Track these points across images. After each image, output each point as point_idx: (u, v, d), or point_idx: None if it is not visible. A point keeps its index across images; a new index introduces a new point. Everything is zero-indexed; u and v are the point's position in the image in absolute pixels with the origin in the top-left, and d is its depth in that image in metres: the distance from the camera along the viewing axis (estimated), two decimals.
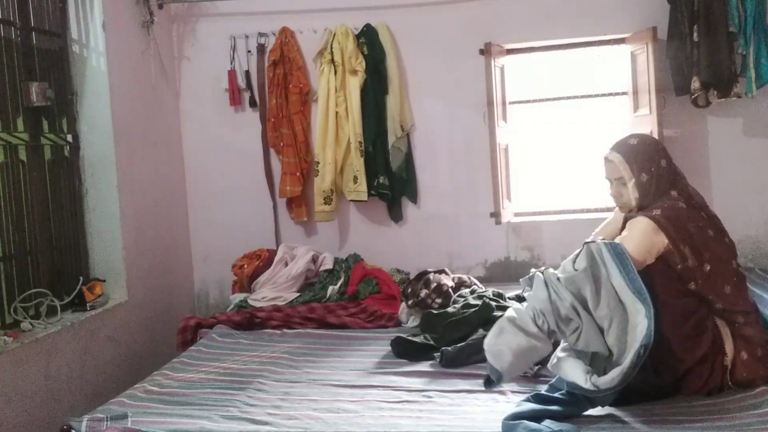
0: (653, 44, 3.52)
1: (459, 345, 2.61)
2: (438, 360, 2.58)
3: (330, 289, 3.55)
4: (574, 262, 2.10)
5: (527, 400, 2.10)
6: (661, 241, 2.13)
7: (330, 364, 2.71)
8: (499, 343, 2.10)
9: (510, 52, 3.94)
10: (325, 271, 3.71)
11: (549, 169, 4.26)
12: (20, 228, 3.00)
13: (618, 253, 2.04)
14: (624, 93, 3.91)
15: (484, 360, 2.53)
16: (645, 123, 3.65)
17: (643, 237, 2.13)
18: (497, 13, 3.85)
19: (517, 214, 4.04)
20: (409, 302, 3.15)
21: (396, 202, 4.01)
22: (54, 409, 2.84)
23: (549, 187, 4.25)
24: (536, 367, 2.39)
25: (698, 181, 3.65)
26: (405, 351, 2.72)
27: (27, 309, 2.93)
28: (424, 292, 3.11)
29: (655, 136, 3.53)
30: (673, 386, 2.14)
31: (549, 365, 2.14)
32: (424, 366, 2.60)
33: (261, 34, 4.03)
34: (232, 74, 4.04)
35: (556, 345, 2.51)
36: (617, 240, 2.15)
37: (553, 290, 2.07)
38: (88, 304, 3.18)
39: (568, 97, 4.02)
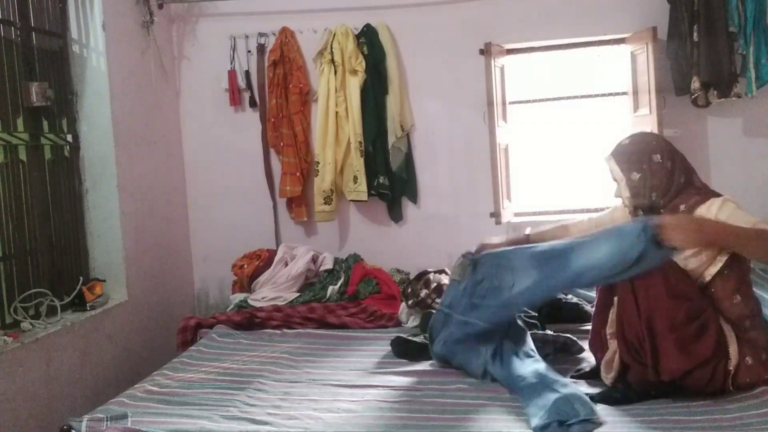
0: (653, 44, 3.52)
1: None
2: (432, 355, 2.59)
3: (330, 289, 3.55)
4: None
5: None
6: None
7: (330, 364, 2.71)
8: None
9: (510, 52, 3.94)
10: (325, 271, 3.71)
11: (549, 169, 4.26)
12: (20, 228, 3.00)
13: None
14: (624, 93, 3.91)
15: None
16: (645, 123, 3.65)
17: (743, 213, 2.08)
18: (497, 13, 3.85)
19: (517, 214, 4.04)
20: (409, 302, 3.15)
21: (396, 202, 4.01)
22: (54, 409, 2.84)
23: (549, 187, 4.25)
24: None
25: None
26: (405, 351, 2.72)
27: (27, 309, 2.93)
28: (424, 292, 3.11)
29: None
30: (673, 386, 2.14)
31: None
32: (424, 366, 2.60)
33: (261, 34, 4.03)
34: (232, 74, 4.04)
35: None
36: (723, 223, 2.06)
37: None
38: (88, 304, 3.18)
39: (568, 97, 4.02)
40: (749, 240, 1.99)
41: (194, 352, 2.89)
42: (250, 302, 3.50)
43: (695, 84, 3.43)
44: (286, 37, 3.97)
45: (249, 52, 4.07)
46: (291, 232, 4.15)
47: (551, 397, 2.03)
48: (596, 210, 3.88)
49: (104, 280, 3.37)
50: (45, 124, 3.19)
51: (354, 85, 3.82)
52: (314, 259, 3.76)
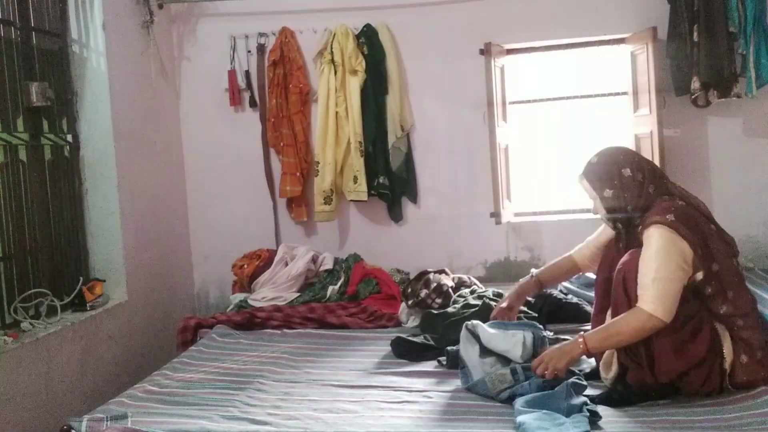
0: (653, 44, 3.52)
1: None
2: (444, 361, 2.58)
3: (330, 289, 3.55)
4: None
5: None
6: (685, 247, 2.07)
7: (330, 364, 2.71)
8: None
9: (510, 52, 3.94)
10: (325, 271, 3.71)
11: (549, 169, 4.26)
12: (20, 228, 3.00)
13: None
14: (624, 93, 3.91)
15: None
16: (645, 123, 3.65)
17: (670, 251, 2.05)
18: (497, 13, 3.84)
19: (517, 214, 4.04)
20: (409, 302, 3.14)
21: (396, 202, 4.01)
22: (54, 409, 2.84)
23: (549, 187, 4.26)
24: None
25: (698, 181, 3.69)
26: (405, 351, 2.71)
27: (27, 309, 2.93)
28: (424, 292, 3.10)
29: (655, 136, 3.54)
30: (671, 387, 2.14)
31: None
32: (424, 366, 2.60)
33: (261, 34, 4.03)
34: (232, 74, 4.04)
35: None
36: (640, 262, 2.09)
37: None
38: (88, 304, 3.18)
39: (568, 97, 4.02)
40: (613, 335, 2.10)
41: (194, 352, 2.89)
42: (250, 302, 3.50)
43: (695, 84, 3.43)
44: (286, 37, 3.97)
45: (249, 52, 4.07)
46: (291, 232, 4.15)
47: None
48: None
49: (104, 280, 3.37)
50: (45, 124, 3.19)
51: (354, 85, 3.82)
52: (314, 259, 3.76)
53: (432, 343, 2.74)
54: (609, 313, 2.23)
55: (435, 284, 3.13)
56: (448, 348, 2.58)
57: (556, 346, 2.21)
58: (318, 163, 3.88)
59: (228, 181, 4.17)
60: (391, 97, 3.87)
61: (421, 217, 4.04)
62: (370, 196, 3.89)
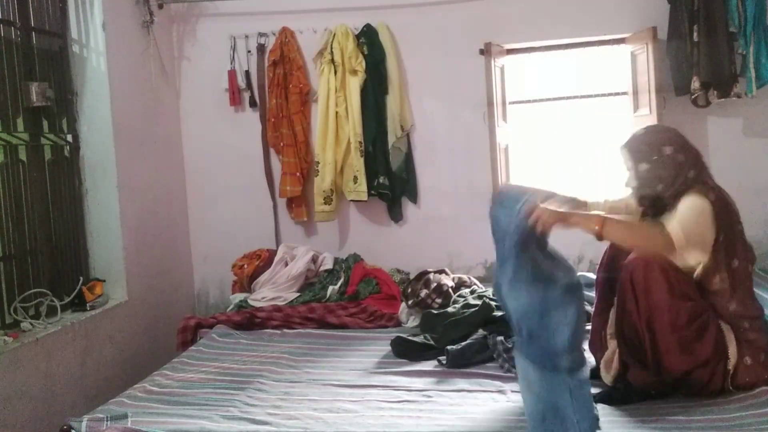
0: (653, 44, 3.52)
1: (463, 343, 2.61)
2: (444, 361, 2.58)
3: (330, 289, 3.55)
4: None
5: None
6: (713, 225, 2.08)
7: (330, 364, 2.71)
8: None
9: (510, 52, 3.94)
10: (325, 271, 3.71)
11: (549, 169, 4.26)
12: (20, 228, 2.99)
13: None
14: (624, 93, 3.91)
15: (487, 359, 2.55)
16: (645, 123, 3.63)
17: (705, 217, 2.07)
18: (497, 13, 3.84)
19: None
20: (409, 302, 3.15)
21: (396, 202, 4.01)
22: (54, 409, 2.84)
23: (549, 187, 4.25)
24: None
25: None
26: (405, 351, 2.72)
27: (27, 309, 2.93)
28: (424, 292, 3.11)
29: None
30: (672, 386, 2.14)
31: None
32: (424, 366, 2.60)
33: (261, 34, 4.03)
34: (232, 74, 4.04)
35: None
36: (671, 221, 2.08)
37: None
38: (88, 304, 3.18)
39: (568, 97, 4.02)
40: (632, 232, 2.09)
41: (194, 352, 2.89)
42: (250, 302, 3.50)
43: (695, 84, 3.43)
44: (286, 37, 3.97)
45: (249, 52, 4.07)
46: (291, 232, 4.15)
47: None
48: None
49: (104, 280, 3.37)
50: (45, 124, 3.19)
51: (354, 85, 3.82)
52: (314, 259, 3.76)
53: (432, 343, 2.74)
54: (613, 312, 2.23)
55: (435, 284, 3.13)
56: (448, 347, 2.58)
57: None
58: (318, 163, 3.88)
59: (228, 181, 4.17)
60: (391, 97, 3.87)
61: (421, 217, 4.04)
62: (370, 196, 3.88)
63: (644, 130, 2.33)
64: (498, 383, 2.37)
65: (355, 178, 3.84)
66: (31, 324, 2.88)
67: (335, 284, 3.59)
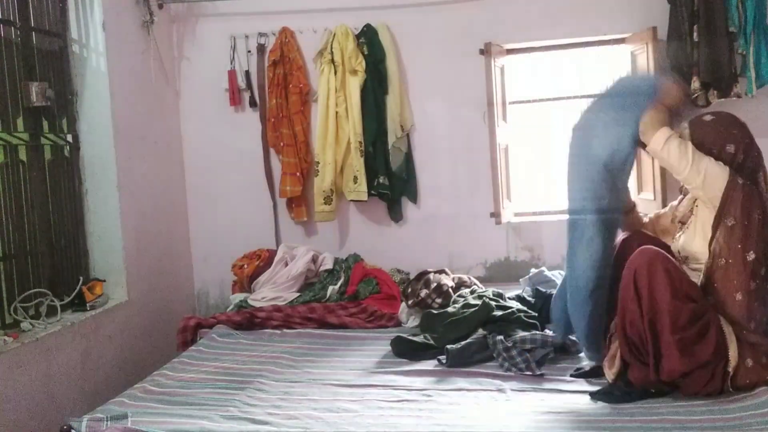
0: (653, 44, 3.52)
1: (463, 342, 2.61)
2: (443, 360, 2.58)
3: (330, 289, 3.55)
4: None
5: None
6: (721, 193, 2.12)
7: (330, 364, 2.71)
8: None
9: (510, 52, 3.94)
10: (325, 271, 3.71)
11: (549, 169, 4.26)
12: (20, 228, 2.99)
13: None
14: None
15: (487, 359, 2.55)
16: None
17: (717, 171, 2.14)
18: (497, 13, 3.84)
19: (517, 214, 4.04)
20: (409, 302, 3.15)
21: (396, 202, 4.01)
22: (54, 409, 2.84)
23: (549, 187, 4.26)
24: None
25: None
26: (405, 350, 2.72)
27: (27, 309, 2.93)
28: (424, 292, 3.11)
29: None
30: (672, 386, 2.14)
31: None
32: (424, 365, 2.60)
33: (261, 34, 4.03)
34: (232, 74, 4.04)
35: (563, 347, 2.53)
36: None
37: None
38: (88, 304, 3.18)
39: (568, 97, 4.02)
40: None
41: (194, 352, 2.89)
42: (250, 302, 3.50)
43: (695, 84, 3.43)
44: (286, 37, 3.97)
45: (249, 52, 4.07)
46: (291, 232, 4.15)
47: None
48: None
49: (104, 280, 3.37)
50: (45, 124, 3.19)
51: (354, 85, 3.82)
52: (314, 259, 3.76)
53: (432, 342, 2.74)
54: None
55: (435, 284, 3.13)
56: (448, 347, 2.58)
57: None
58: (318, 163, 3.88)
59: (228, 181, 4.17)
60: (391, 97, 3.87)
61: (421, 217, 4.04)
62: (370, 196, 3.88)
63: (711, 117, 2.31)
64: (498, 382, 2.37)
65: (355, 178, 3.84)
66: (31, 324, 2.88)
67: (335, 284, 3.59)
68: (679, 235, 2.36)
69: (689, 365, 2.07)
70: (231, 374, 2.60)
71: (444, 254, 3.99)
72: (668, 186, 3.52)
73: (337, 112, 3.86)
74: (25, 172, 3.03)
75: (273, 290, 3.56)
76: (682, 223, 2.39)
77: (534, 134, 4.24)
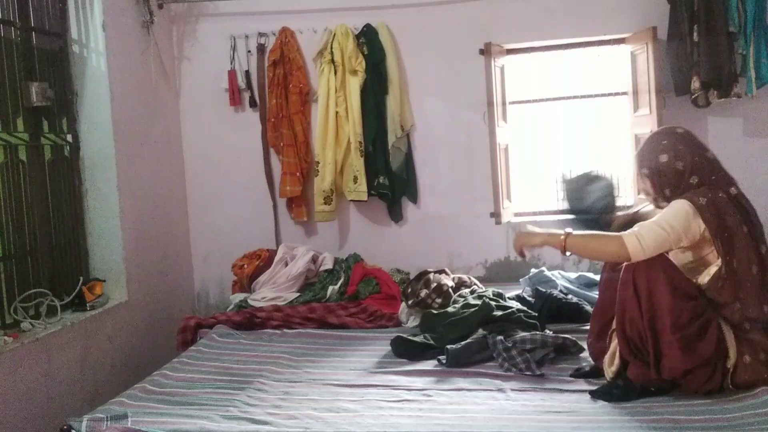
0: (653, 44, 3.52)
1: (463, 342, 2.61)
2: (443, 360, 2.58)
3: (330, 289, 3.55)
4: None
5: None
6: (698, 225, 2.12)
7: (330, 364, 2.71)
8: None
9: (510, 52, 3.94)
10: (325, 271, 3.71)
11: (549, 169, 4.26)
12: (20, 228, 3.00)
13: None
14: (624, 93, 3.91)
15: (487, 359, 2.55)
16: (645, 123, 3.65)
17: (681, 219, 2.12)
18: (497, 13, 3.85)
19: (517, 214, 4.04)
20: (409, 302, 3.15)
21: (396, 202, 4.01)
22: (54, 409, 2.84)
23: (549, 187, 4.25)
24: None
25: None
26: (405, 351, 2.71)
27: (27, 309, 2.93)
28: (424, 292, 3.11)
29: None
30: (672, 384, 2.15)
31: None
32: (424, 365, 2.60)
33: (261, 34, 4.03)
34: (232, 74, 4.04)
35: (561, 348, 2.54)
36: (655, 218, 2.17)
37: None
38: (88, 304, 3.18)
39: (568, 97, 4.02)
40: (588, 243, 2.26)
41: (194, 352, 2.89)
42: (250, 302, 3.50)
43: (695, 84, 3.43)
44: (286, 37, 3.97)
45: (249, 52, 4.07)
46: (291, 232, 4.15)
47: None
48: None
49: (104, 280, 3.37)
50: (45, 124, 3.19)
51: (354, 85, 3.82)
52: (314, 259, 3.76)
53: (432, 342, 2.74)
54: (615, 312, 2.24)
55: (435, 284, 3.13)
56: (448, 347, 2.58)
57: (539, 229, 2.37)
58: (318, 163, 3.88)
59: (228, 181, 4.17)
60: (391, 97, 3.88)
61: (421, 217, 4.04)
62: (370, 196, 3.89)
63: (651, 135, 2.37)
64: (498, 382, 2.37)
65: (355, 178, 3.84)
66: (31, 324, 2.88)
67: (335, 284, 3.59)
68: None
69: (691, 363, 2.07)
70: (231, 374, 2.59)
71: (444, 254, 3.99)
72: None
73: (337, 112, 3.86)
74: (25, 172, 3.04)
75: (273, 290, 3.57)
76: None
77: (534, 134, 4.24)
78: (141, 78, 3.74)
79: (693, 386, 2.11)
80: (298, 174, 3.93)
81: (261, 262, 3.68)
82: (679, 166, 2.22)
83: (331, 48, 3.85)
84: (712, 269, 2.15)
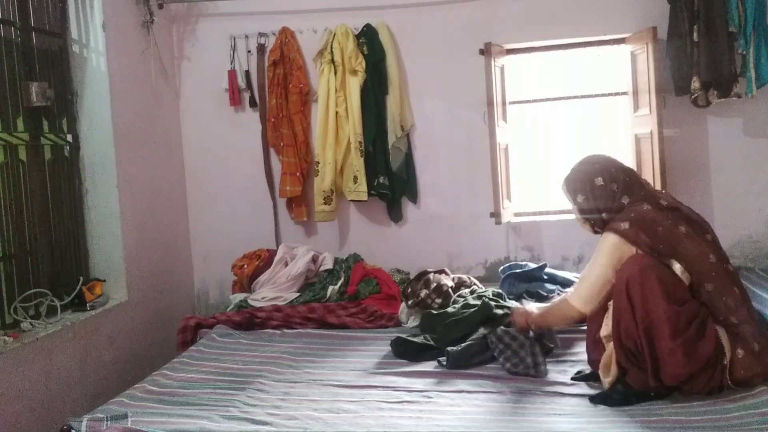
0: (653, 44, 3.52)
1: (463, 344, 2.60)
2: (443, 361, 2.58)
3: (330, 289, 3.55)
4: None
5: None
6: (630, 249, 2.20)
7: (330, 364, 2.71)
8: None
9: (510, 52, 3.94)
10: (325, 271, 3.71)
11: (549, 169, 4.26)
12: (20, 228, 3.00)
13: None
14: (624, 93, 3.91)
15: (487, 361, 2.55)
16: (645, 123, 3.65)
17: (610, 254, 2.24)
18: (497, 13, 3.85)
19: (517, 214, 4.04)
20: (409, 302, 3.15)
21: (396, 202, 4.01)
22: (54, 409, 2.84)
23: (549, 187, 4.25)
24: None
25: (698, 181, 3.69)
26: (405, 351, 2.71)
27: (27, 309, 2.94)
28: (424, 292, 3.10)
29: (655, 136, 3.54)
30: (672, 388, 2.14)
31: None
32: (424, 366, 2.60)
33: (261, 34, 4.03)
34: (232, 74, 4.04)
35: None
36: (588, 266, 2.32)
37: None
38: (88, 304, 3.18)
39: (568, 97, 4.02)
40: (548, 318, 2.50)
41: (194, 352, 2.89)
42: (250, 302, 3.50)
43: (695, 84, 3.43)
44: (286, 37, 3.97)
45: (249, 52, 4.07)
46: (291, 232, 4.15)
47: None
48: None
49: (104, 280, 3.37)
50: (45, 124, 3.19)
51: (354, 85, 3.82)
52: (314, 259, 3.75)
53: (432, 343, 2.74)
54: (609, 314, 2.24)
55: (435, 284, 3.13)
56: (449, 348, 2.58)
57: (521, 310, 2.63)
58: (318, 163, 3.88)
59: (228, 181, 4.17)
60: (391, 97, 3.87)
61: (421, 217, 4.04)
62: (370, 196, 3.88)
63: (576, 165, 2.46)
64: (498, 384, 2.37)
65: (355, 178, 3.84)
66: (31, 324, 2.88)
67: (335, 284, 3.59)
68: None
69: (694, 366, 2.07)
70: (231, 374, 2.59)
71: (444, 254, 3.99)
72: (668, 185, 3.52)
73: (337, 112, 3.86)
74: (25, 172, 3.04)
75: (273, 290, 3.57)
76: None
77: (534, 134, 4.24)
78: (141, 78, 3.74)
79: (695, 389, 2.11)
80: (298, 174, 3.93)
81: (261, 262, 3.68)
82: (614, 188, 2.32)
83: (331, 48, 3.85)
84: (678, 270, 2.18)
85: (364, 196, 3.83)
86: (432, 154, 4.00)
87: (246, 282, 3.68)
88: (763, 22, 3.38)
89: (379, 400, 2.29)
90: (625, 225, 2.21)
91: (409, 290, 3.17)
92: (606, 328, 2.26)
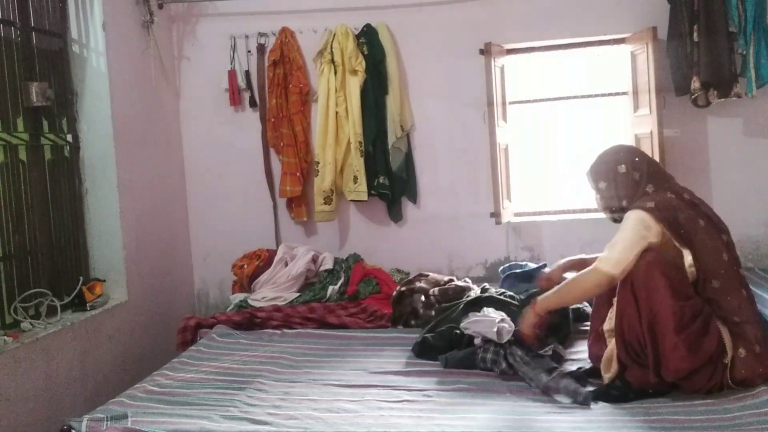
0: (653, 44, 3.52)
1: (461, 352, 2.60)
2: (443, 363, 2.58)
3: (330, 289, 3.55)
4: None
5: None
6: (656, 228, 2.17)
7: (330, 364, 2.71)
8: None
9: (510, 52, 3.94)
10: (325, 271, 3.71)
11: (549, 169, 4.26)
12: (20, 228, 2.99)
13: None
14: (624, 93, 3.91)
15: (488, 368, 2.54)
16: (645, 123, 3.65)
17: (636, 225, 2.18)
18: (497, 13, 3.84)
19: (517, 214, 4.04)
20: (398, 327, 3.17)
21: (396, 202, 4.01)
22: (54, 409, 2.84)
23: (549, 187, 4.26)
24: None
25: (698, 181, 3.69)
26: (426, 351, 2.70)
27: (27, 309, 2.93)
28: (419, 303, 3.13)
29: (655, 136, 3.54)
30: (671, 385, 2.15)
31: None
32: (424, 366, 2.60)
33: (261, 34, 4.03)
34: (232, 74, 4.04)
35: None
36: (611, 241, 2.23)
37: None
38: (88, 304, 3.18)
39: (568, 97, 4.02)
40: (566, 293, 2.33)
41: (194, 352, 2.89)
42: (250, 302, 3.50)
43: (695, 84, 3.43)
44: (286, 37, 3.97)
45: (249, 52, 4.07)
46: (291, 232, 4.15)
47: None
48: (596, 210, 3.91)
49: (104, 280, 3.37)
50: (45, 124, 3.19)
51: (354, 85, 3.82)
52: (314, 259, 3.76)
53: (432, 341, 2.73)
54: (612, 311, 2.24)
55: (428, 296, 3.15)
56: (446, 356, 2.58)
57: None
58: (318, 163, 3.88)
59: (228, 181, 4.17)
60: (391, 97, 3.87)
61: (421, 217, 4.04)
62: (370, 196, 3.88)
63: (603, 152, 2.44)
64: (498, 382, 2.37)
65: (355, 178, 3.84)
66: (31, 324, 2.88)
67: (335, 284, 3.59)
68: None
69: (697, 361, 2.07)
70: (231, 374, 2.59)
71: (444, 254, 3.99)
72: None
73: (337, 112, 3.86)
74: (25, 172, 3.03)
75: (273, 290, 3.57)
76: None
77: (534, 134, 4.24)
78: (141, 78, 3.74)
79: (696, 386, 2.11)
80: (298, 174, 3.93)
81: (261, 262, 3.68)
82: (636, 176, 2.31)
83: (331, 48, 3.85)
84: (686, 263, 2.18)
85: (364, 196, 3.83)
86: (432, 154, 4.00)
87: (246, 282, 3.68)
88: (763, 22, 3.38)
89: (379, 399, 2.29)
90: (650, 204, 2.21)
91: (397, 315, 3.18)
92: (609, 323, 2.26)
